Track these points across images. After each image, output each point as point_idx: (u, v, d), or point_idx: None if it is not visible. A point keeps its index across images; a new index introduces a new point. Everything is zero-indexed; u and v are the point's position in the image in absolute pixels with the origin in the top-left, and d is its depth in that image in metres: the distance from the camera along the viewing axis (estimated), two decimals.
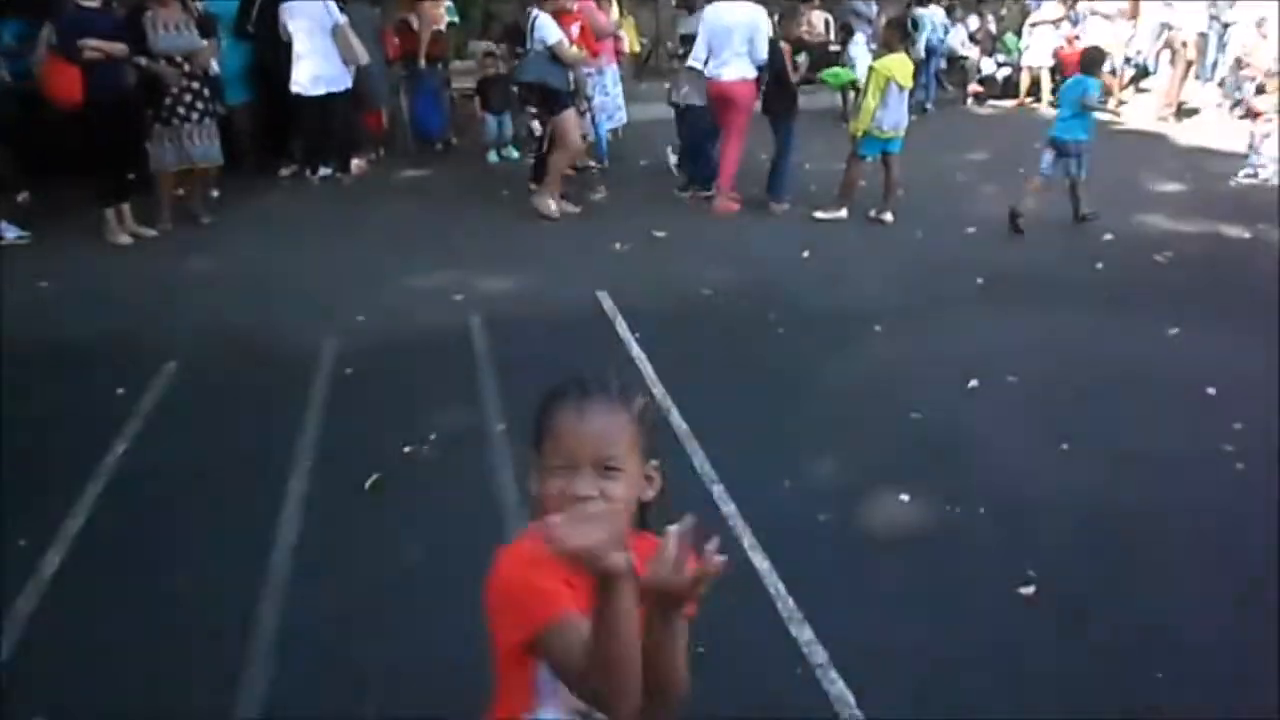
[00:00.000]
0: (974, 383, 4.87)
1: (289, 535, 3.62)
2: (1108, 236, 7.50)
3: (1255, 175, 9.64)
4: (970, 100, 14.97)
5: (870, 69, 8.01)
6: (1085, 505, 3.79)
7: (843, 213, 8.09)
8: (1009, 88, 15.05)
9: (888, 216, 7.99)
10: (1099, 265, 6.81)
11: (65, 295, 6.46)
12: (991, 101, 14.97)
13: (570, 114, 8.10)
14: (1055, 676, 2.89)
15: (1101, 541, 3.58)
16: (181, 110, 7.84)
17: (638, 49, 14.25)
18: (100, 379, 5.02)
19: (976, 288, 6.40)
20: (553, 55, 7.83)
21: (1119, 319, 5.77)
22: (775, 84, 8.34)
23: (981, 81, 15.12)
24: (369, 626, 3.13)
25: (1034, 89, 14.49)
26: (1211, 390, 4.75)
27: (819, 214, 8.13)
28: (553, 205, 8.26)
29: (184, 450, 4.29)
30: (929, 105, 13.80)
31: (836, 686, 2.84)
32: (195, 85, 7.91)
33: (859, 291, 6.32)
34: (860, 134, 7.86)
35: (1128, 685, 2.86)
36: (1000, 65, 15.31)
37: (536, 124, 9.06)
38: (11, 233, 7.68)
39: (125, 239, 7.76)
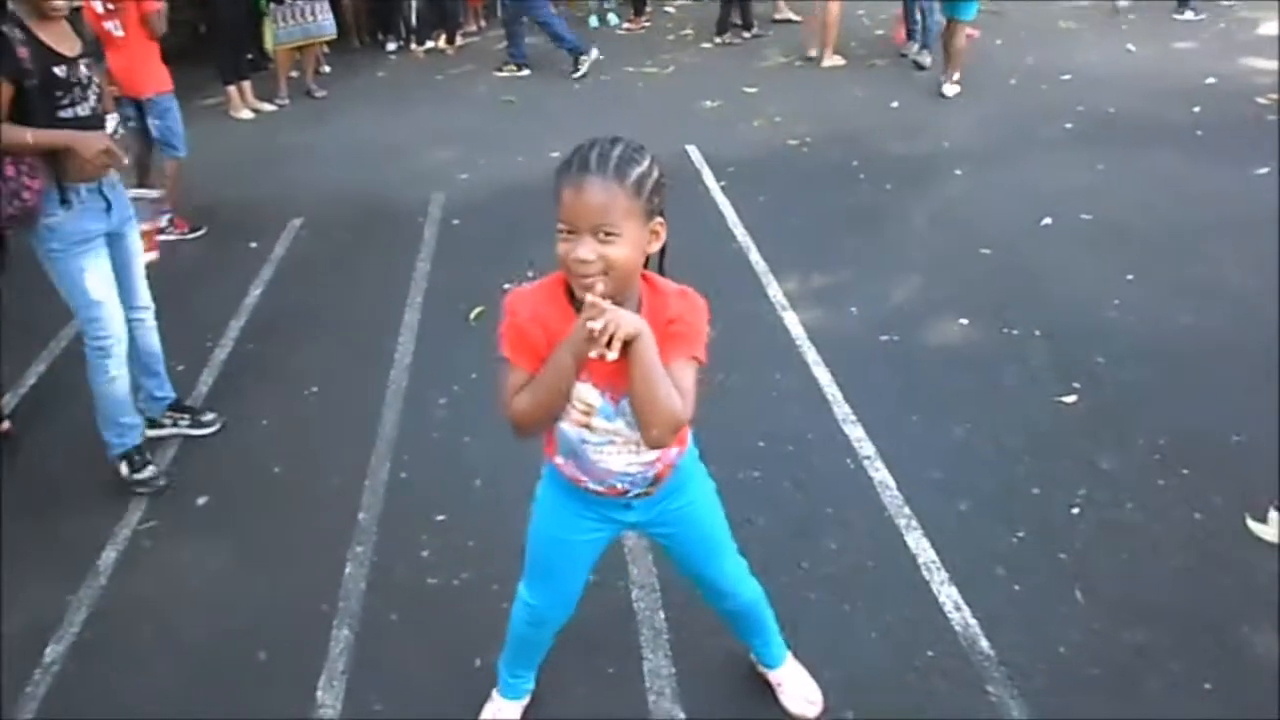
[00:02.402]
0: (1047, 220, 5.01)
1: (405, 357, 4.12)
2: (1210, 80, 7.32)
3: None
4: None
5: None
6: (1140, 329, 3.97)
7: (954, 89, 7.46)
8: None
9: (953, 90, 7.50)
10: (1196, 109, 6.70)
11: (197, 165, 6.97)
12: None
13: None
14: (1084, 471, 3.16)
15: (1151, 361, 3.76)
16: None
17: None
18: (234, 235, 5.60)
19: (1065, 132, 6.42)
20: None
21: (1207, 160, 5.76)
22: None
23: None
24: (472, 428, 3.60)
25: None
26: None
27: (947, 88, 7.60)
28: (837, 58, 8.60)
29: (312, 291, 4.84)
30: None
31: (880, 474, 3.19)
32: None
33: (944, 138, 6.42)
34: None
35: (1155, 480, 3.11)
36: None
37: None
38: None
39: (247, 114, 8.34)
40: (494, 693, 2.38)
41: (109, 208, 3.20)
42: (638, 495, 1.92)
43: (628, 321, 1.57)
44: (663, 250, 1.76)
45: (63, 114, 3.05)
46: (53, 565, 3.08)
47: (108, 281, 3.22)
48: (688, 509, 2.03)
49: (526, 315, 1.73)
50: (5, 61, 2.86)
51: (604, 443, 1.82)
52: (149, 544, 3.15)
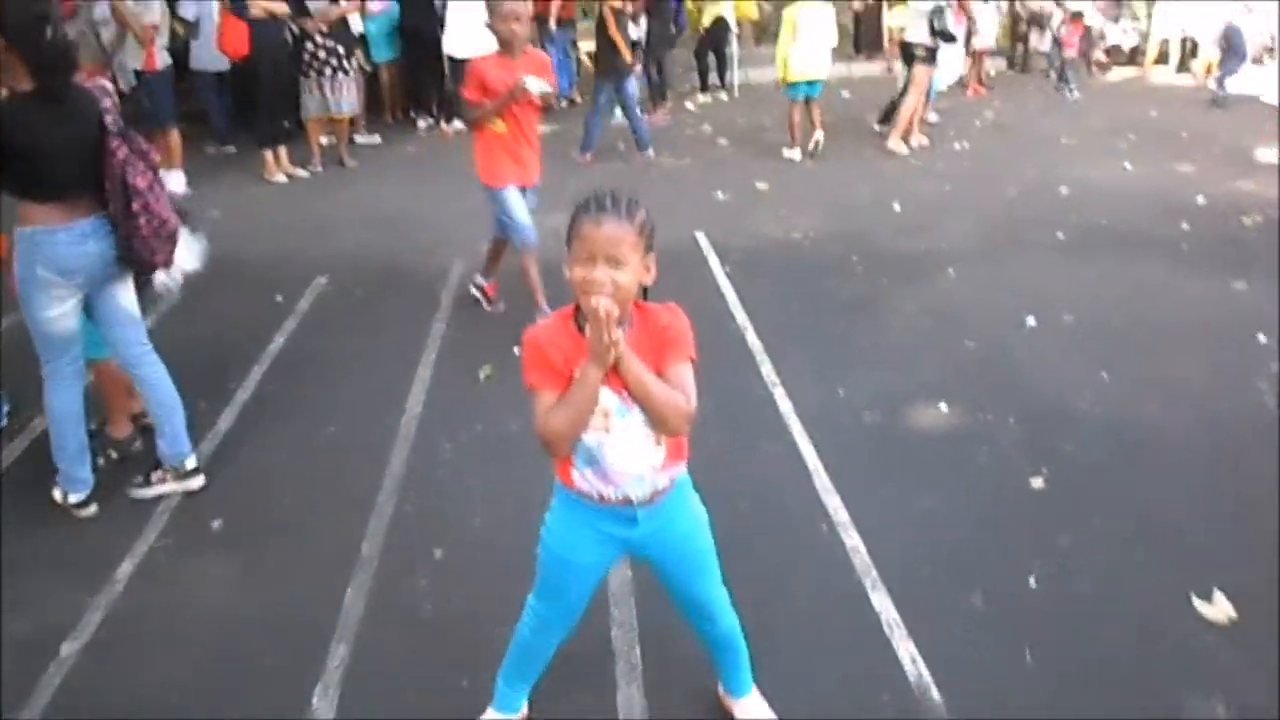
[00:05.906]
0: (1031, 320, 5.28)
1: (416, 406, 4.38)
2: (1200, 200, 7.67)
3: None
4: (1095, 69, 14.86)
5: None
6: (1108, 421, 4.19)
7: (794, 153, 9.45)
8: (1135, 56, 14.93)
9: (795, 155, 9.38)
10: (1185, 225, 7.03)
11: (232, 222, 7.40)
12: (1118, 69, 14.87)
13: (928, 68, 9.47)
14: (1043, 546, 3.36)
15: (1115, 449, 3.98)
16: (317, 65, 8.80)
17: (756, 16, 14.81)
18: (263, 288, 5.91)
19: (1057, 240, 6.73)
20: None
21: (1189, 272, 6.05)
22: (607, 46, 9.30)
23: (1107, 51, 15.00)
24: (475, 473, 3.84)
25: (1162, 57, 14.35)
26: (1262, 338, 5.02)
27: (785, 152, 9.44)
28: (902, 147, 9.54)
29: (331, 343, 5.13)
30: (1051, 73, 13.95)
31: (852, 539, 3.40)
32: (330, 44, 8.80)
33: (941, 239, 6.74)
34: (781, 79, 9.28)
35: (1109, 559, 3.31)
36: (1127, 33, 15.18)
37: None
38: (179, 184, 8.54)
39: (281, 178, 8.77)
40: (489, 708, 2.57)
41: None
42: (644, 502, 2.15)
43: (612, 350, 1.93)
44: (645, 289, 2.09)
45: None
46: (72, 573, 3.30)
47: None
48: (683, 530, 2.28)
49: (545, 341, 2.05)
50: None
51: (621, 441, 2.07)
52: (164, 559, 3.37)
